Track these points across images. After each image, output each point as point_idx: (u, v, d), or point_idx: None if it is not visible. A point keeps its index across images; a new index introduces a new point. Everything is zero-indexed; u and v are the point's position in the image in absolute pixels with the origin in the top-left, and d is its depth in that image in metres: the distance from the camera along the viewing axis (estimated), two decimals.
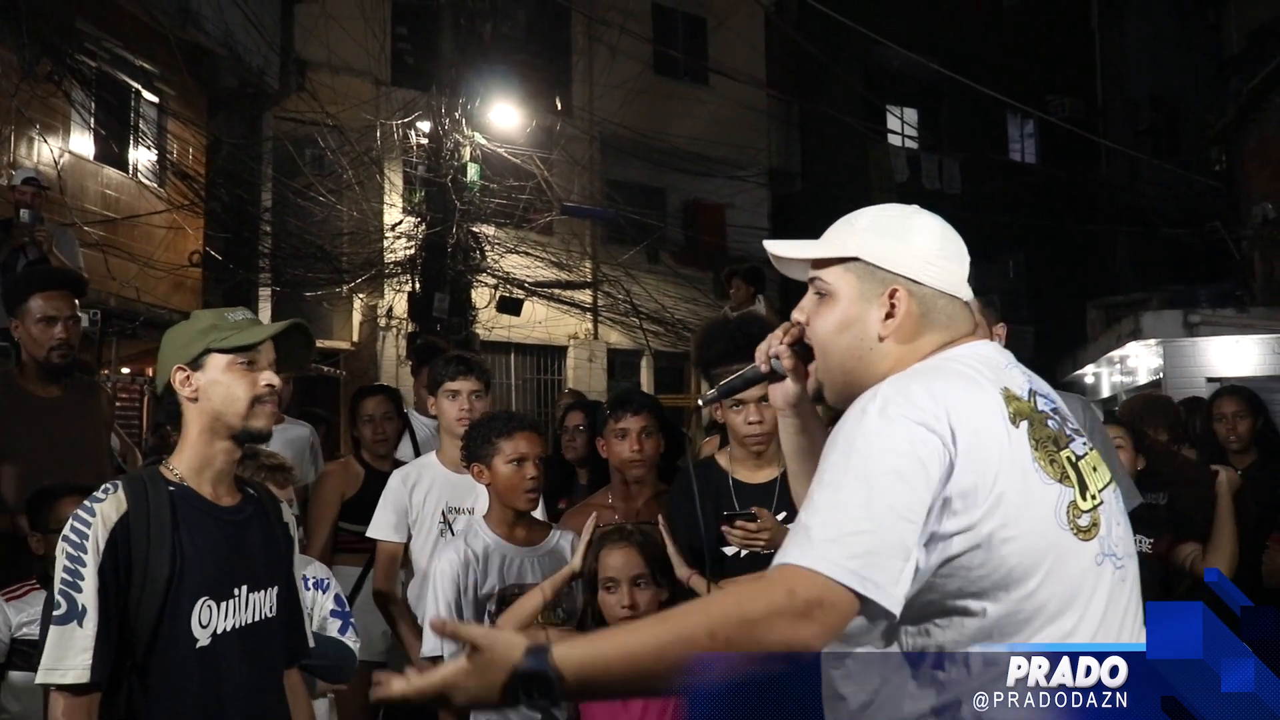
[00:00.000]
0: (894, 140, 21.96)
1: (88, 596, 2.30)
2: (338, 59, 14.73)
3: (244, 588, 2.53)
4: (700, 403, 2.30)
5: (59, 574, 2.32)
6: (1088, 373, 16.79)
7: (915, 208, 1.96)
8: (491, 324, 14.60)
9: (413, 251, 13.78)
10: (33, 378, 4.27)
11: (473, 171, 13.33)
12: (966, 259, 1.92)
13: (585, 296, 17.26)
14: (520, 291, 14.93)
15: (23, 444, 4.18)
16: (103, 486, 2.43)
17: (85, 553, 2.32)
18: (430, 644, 3.63)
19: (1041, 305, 20.89)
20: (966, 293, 1.91)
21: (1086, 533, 1.73)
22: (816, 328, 1.91)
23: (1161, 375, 13.55)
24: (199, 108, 13.64)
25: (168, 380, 2.52)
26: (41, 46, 10.26)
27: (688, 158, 17.95)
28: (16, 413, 4.23)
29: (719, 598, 1.72)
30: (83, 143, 11.79)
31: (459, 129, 13.12)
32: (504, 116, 14.05)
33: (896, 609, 1.60)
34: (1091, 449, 1.84)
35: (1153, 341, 13.66)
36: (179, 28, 12.21)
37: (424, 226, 13.51)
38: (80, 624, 2.29)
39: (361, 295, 15.56)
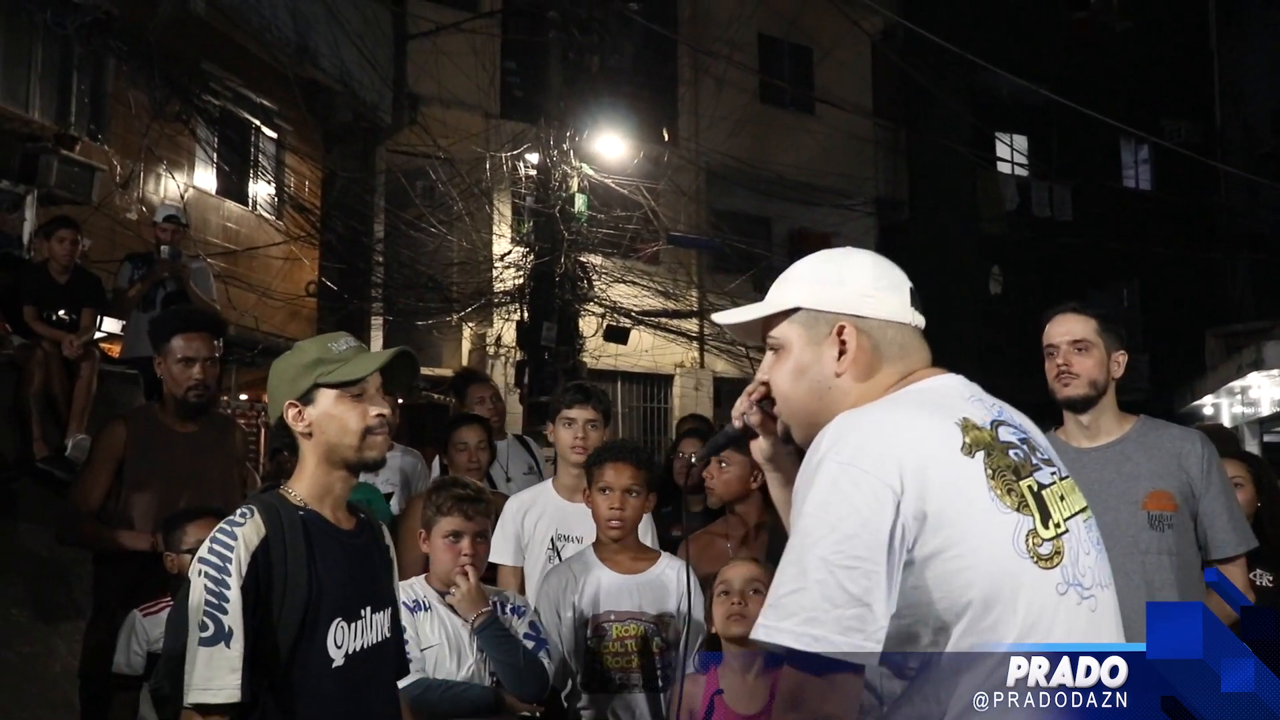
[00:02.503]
0: (1003, 168, 21.69)
1: (233, 618, 2.35)
2: (449, 93, 15.03)
3: (368, 608, 2.59)
4: (692, 462, 2.39)
5: (202, 595, 2.37)
6: (1206, 403, 16.33)
7: (845, 249, 2.00)
8: (599, 353, 14.70)
9: (521, 281, 13.95)
10: (171, 413, 4.42)
11: (580, 202, 13.46)
12: (905, 285, 1.93)
13: (692, 325, 17.29)
14: (627, 320, 15.00)
15: (158, 476, 4.33)
16: (239, 511, 2.49)
17: (229, 575, 2.37)
18: None
19: (1157, 334, 20.38)
20: (912, 317, 1.92)
21: (1048, 561, 1.71)
22: (776, 381, 1.96)
23: None
24: (315, 142, 14.05)
25: (280, 414, 2.59)
26: (170, 87, 10.69)
27: (794, 187, 17.93)
28: (154, 446, 4.37)
29: None
30: (206, 177, 12.23)
31: (567, 160, 13.27)
32: (611, 147, 14.18)
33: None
34: (1063, 479, 1.84)
35: (1276, 372, 13.24)
36: (297, 66, 12.61)
37: (532, 256, 13.67)
38: (228, 645, 2.34)
39: (471, 324, 15.78)
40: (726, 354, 17.37)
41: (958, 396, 1.85)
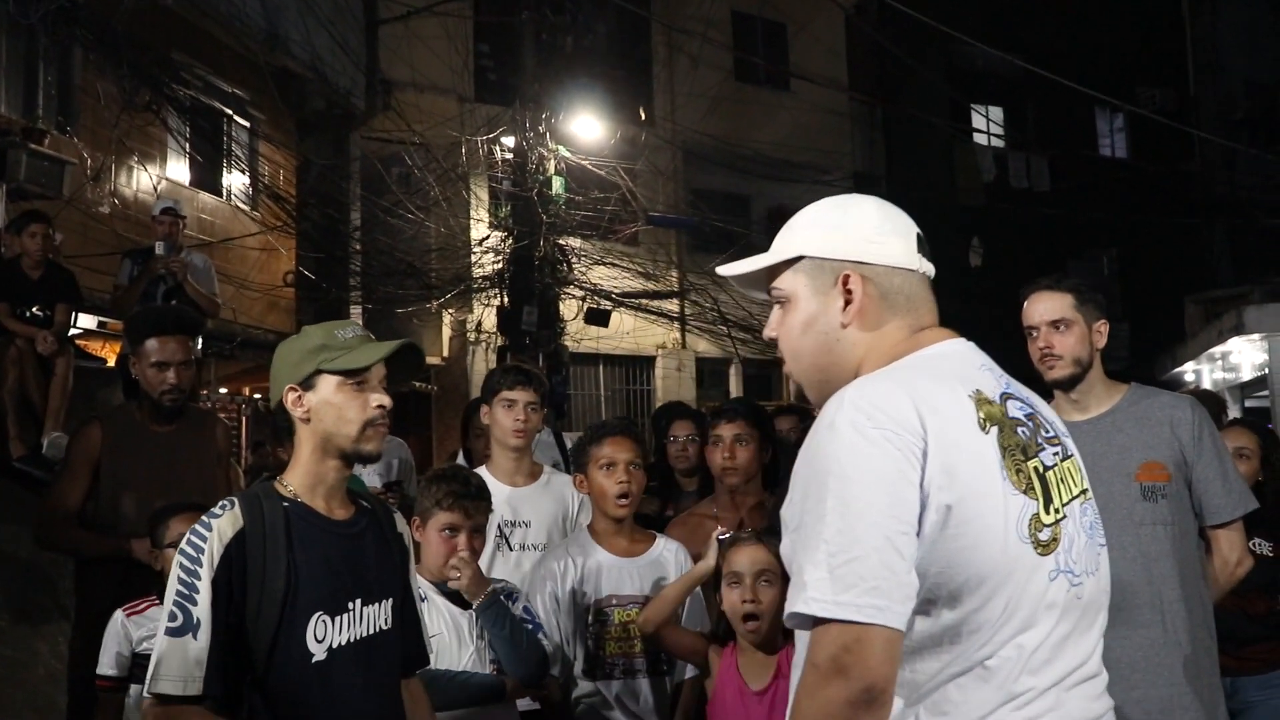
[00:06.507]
0: (980, 139, 21.67)
1: (202, 610, 2.30)
2: (422, 78, 14.93)
3: (358, 601, 2.53)
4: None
5: (174, 586, 2.33)
6: (1187, 370, 16.38)
7: (850, 195, 1.93)
8: (580, 336, 14.65)
9: (500, 266, 13.88)
10: (148, 413, 4.39)
11: (558, 184, 13.39)
12: (912, 230, 1.86)
13: (673, 306, 17.23)
14: (608, 303, 14.95)
15: (136, 477, 4.28)
16: (220, 503, 2.44)
17: (200, 566, 2.32)
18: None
19: (1137, 302, 20.44)
20: (919, 264, 1.84)
21: (1045, 547, 1.66)
22: (784, 336, 1.90)
23: (1267, 371, 13.18)
24: (288, 130, 13.93)
25: (280, 397, 2.54)
26: (140, 78, 10.54)
27: (771, 164, 17.89)
28: (131, 447, 4.33)
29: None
30: (179, 169, 12.12)
31: (543, 143, 13.19)
32: (587, 129, 14.10)
33: (902, 624, 1.55)
34: (1065, 459, 1.77)
35: (1256, 336, 13.27)
36: (268, 53, 12.49)
37: (511, 240, 13.60)
38: (195, 636, 2.29)
39: (451, 310, 15.72)
40: (708, 334, 17.34)
41: (971, 366, 1.78)
